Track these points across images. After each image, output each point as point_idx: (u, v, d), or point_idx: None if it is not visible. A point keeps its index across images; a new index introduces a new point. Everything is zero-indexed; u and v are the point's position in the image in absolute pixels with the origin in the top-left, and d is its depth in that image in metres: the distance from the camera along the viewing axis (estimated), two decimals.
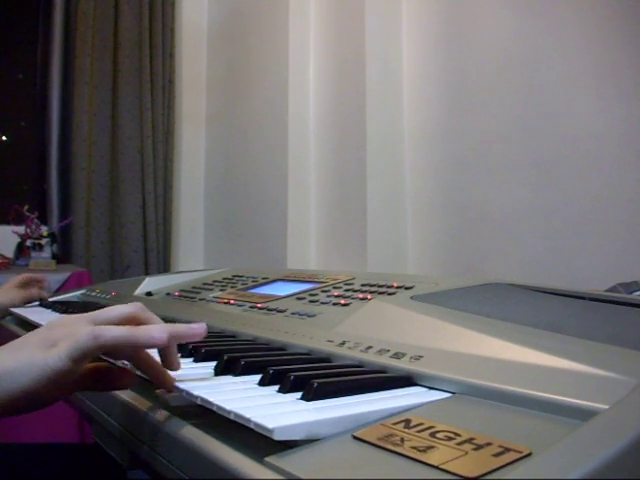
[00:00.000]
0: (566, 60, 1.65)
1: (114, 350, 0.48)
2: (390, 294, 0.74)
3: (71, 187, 2.66)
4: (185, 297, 1.06)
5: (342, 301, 0.75)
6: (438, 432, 0.34)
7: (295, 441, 0.35)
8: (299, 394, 0.43)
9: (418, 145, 2.13)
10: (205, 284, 1.14)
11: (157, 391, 0.49)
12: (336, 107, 2.27)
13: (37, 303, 1.24)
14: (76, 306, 1.10)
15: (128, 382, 0.50)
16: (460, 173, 1.96)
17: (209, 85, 3.09)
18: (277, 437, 0.34)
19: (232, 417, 0.38)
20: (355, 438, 0.35)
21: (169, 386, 0.48)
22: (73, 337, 0.45)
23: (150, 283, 1.25)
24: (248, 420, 0.36)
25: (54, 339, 0.45)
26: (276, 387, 0.46)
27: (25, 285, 1.23)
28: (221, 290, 1.05)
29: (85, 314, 0.49)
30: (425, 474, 0.29)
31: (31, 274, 1.27)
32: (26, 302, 1.21)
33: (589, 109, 1.59)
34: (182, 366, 0.51)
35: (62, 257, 2.52)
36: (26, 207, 2.34)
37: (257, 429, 0.35)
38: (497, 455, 0.30)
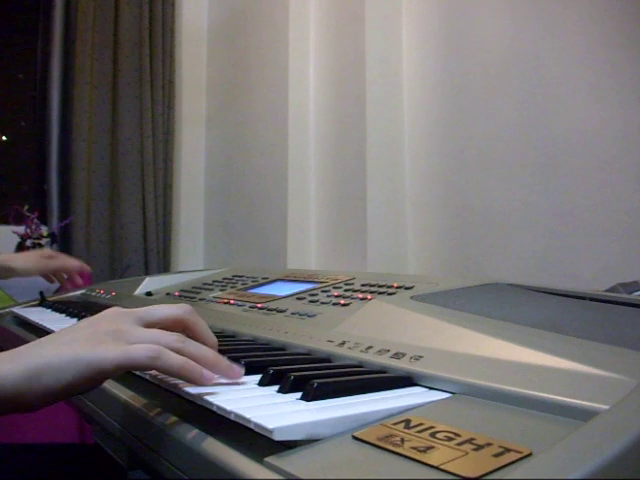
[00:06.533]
0: (566, 60, 1.65)
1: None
2: (390, 294, 0.74)
3: (71, 187, 2.66)
4: (185, 297, 1.06)
5: (342, 301, 0.75)
6: (438, 432, 0.34)
7: (295, 441, 0.35)
8: (299, 394, 0.43)
9: (418, 145, 2.13)
10: (205, 284, 1.14)
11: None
12: (336, 107, 2.26)
13: (37, 303, 1.24)
14: (76, 306, 1.10)
15: None
16: (460, 173, 1.96)
17: (209, 85, 3.08)
18: (277, 437, 0.34)
19: (232, 417, 0.38)
20: (355, 438, 0.35)
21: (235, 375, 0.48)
22: (129, 350, 0.44)
23: (150, 283, 1.25)
24: (248, 420, 0.36)
25: (101, 335, 0.44)
26: (276, 387, 0.46)
27: (51, 259, 1.21)
28: (221, 290, 1.05)
29: (131, 310, 0.48)
30: (425, 474, 0.29)
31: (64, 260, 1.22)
32: (42, 275, 1.20)
33: (589, 109, 1.59)
34: None
35: None
36: (26, 207, 2.34)
37: (257, 429, 0.35)
38: (497, 455, 0.30)
